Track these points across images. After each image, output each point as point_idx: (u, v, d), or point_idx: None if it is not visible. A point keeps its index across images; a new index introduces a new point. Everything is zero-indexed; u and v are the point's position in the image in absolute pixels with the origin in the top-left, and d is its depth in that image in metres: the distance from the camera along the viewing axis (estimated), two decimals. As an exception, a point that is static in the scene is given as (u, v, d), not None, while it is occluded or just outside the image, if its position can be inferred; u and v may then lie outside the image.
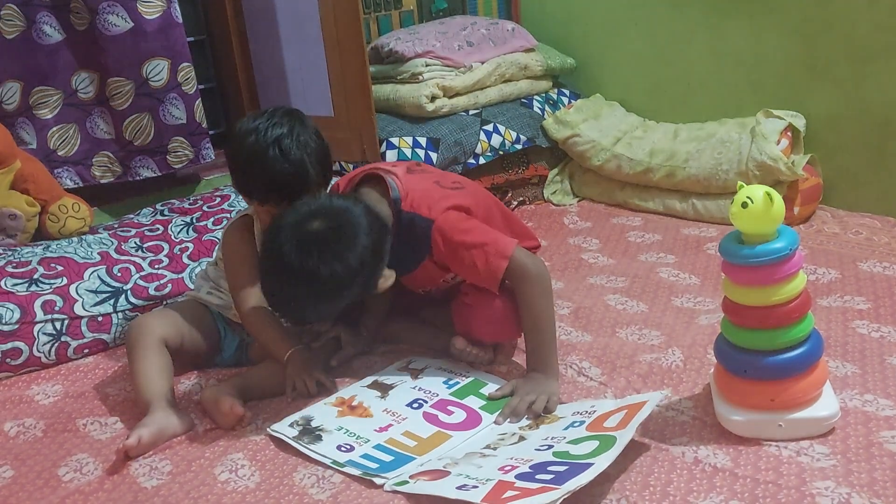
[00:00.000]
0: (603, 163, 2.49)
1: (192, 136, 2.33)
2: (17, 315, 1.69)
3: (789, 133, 2.26)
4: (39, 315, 1.71)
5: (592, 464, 1.17)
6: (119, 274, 1.84)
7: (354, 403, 1.49)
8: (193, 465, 1.35)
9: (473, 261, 1.47)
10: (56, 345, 1.73)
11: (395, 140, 2.40)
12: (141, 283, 1.85)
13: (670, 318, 1.74)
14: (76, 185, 2.23)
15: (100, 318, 1.78)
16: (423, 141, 2.40)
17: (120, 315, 1.80)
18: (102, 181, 2.28)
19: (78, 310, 1.76)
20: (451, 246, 1.48)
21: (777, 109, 2.30)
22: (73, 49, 2.17)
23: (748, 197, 1.21)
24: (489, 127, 2.52)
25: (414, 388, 1.53)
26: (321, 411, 1.47)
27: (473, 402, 1.48)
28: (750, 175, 2.18)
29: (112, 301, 1.80)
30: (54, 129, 2.19)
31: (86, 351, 1.77)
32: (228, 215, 2.07)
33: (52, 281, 1.77)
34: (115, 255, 1.89)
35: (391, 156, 2.36)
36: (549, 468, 1.20)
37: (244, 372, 1.59)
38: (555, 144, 2.64)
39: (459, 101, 2.54)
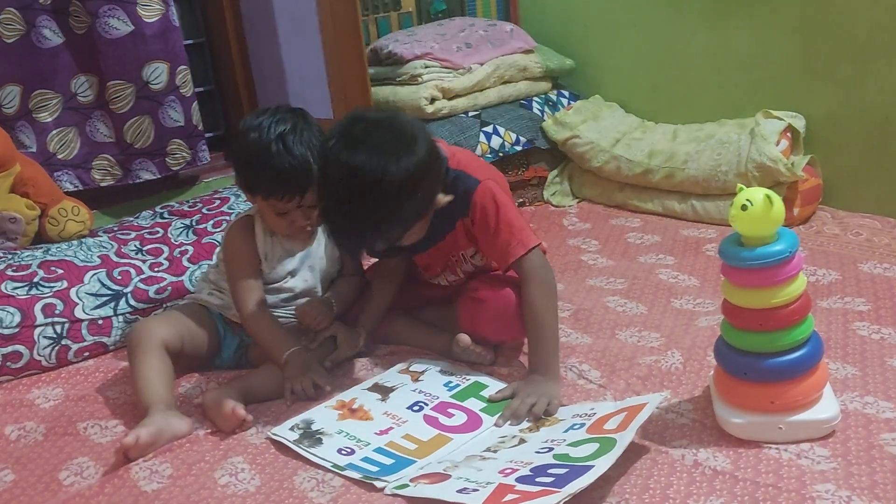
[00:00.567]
0: (602, 164, 2.49)
1: (190, 139, 2.34)
2: (17, 318, 1.69)
3: (789, 134, 2.26)
4: (40, 318, 1.71)
5: (593, 466, 1.17)
6: (119, 277, 1.84)
7: (355, 406, 1.49)
8: (194, 469, 1.35)
9: (499, 234, 1.50)
10: (56, 348, 1.73)
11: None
12: (141, 286, 1.85)
13: (670, 320, 1.74)
14: (76, 189, 2.23)
15: (100, 322, 1.78)
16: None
17: (120, 318, 1.80)
18: (102, 184, 2.28)
19: (78, 313, 1.76)
20: (487, 211, 1.51)
21: (776, 110, 2.30)
22: (73, 53, 2.17)
23: (748, 199, 1.21)
24: (489, 128, 2.52)
25: (414, 390, 1.53)
26: (321, 414, 1.47)
27: (474, 404, 1.48)
28: (749, 176, 2.18)
29: (112, 304, 1.80)
30: (54, 132, 2.20)
31: (86, 354, 1.77)
32: (228, 218, 2.08)
33: (52, 284, 1.77)
34: (115, 259, 1.89)
35: (391, 158, 2.35)
36: (550, 471, 1.20)
37: (245, 375, 1.59)
38: (554, 146, 2.64)
39: (459, 102, 2.54)
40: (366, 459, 1.34)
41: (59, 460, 1.41)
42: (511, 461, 1.27)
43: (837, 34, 2.21)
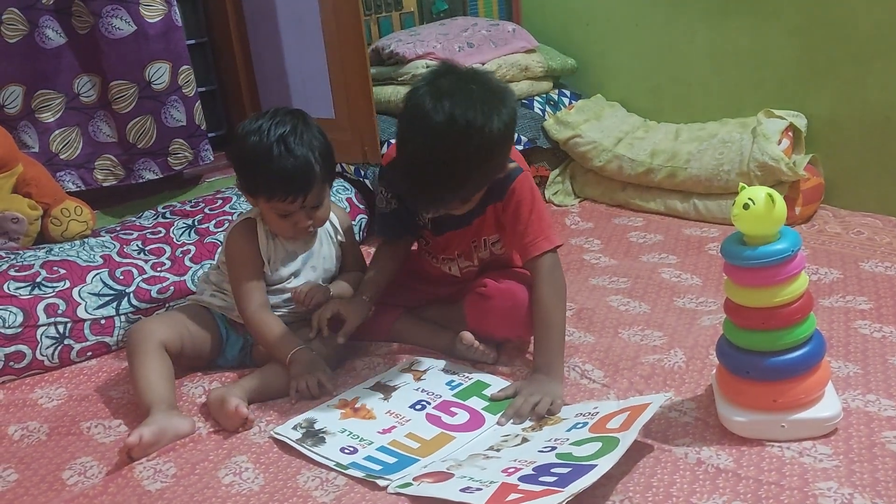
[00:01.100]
0: (604, 163, 2.49)
1: (192, 138, 2.34)
2: (20, 318, 1.70)
3: (790, 133, 2.26)
4: (42, 318, 1.72)
5: (596, 465, 1.18)
6: (121, 277, 1.85)
7: (357, 405, 1.49)
8: (197, 468, 1.35)
9: (530, 226, 1.52)
10: (59, 348, 1.73)
11: (394, 141, 2.40)
12: (143, 285, 1.85)
13: (672, 319, 1.74)
14: (79, 189, 2.23)
15: (103, 321, 1.78)
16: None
17: (123, 318, 1.80)
18: (105, 184, 2.28)
19: (81, 313, 1.76)
20: (523, 201, 1.52)
21: (778, 109, 2.30)
22: (76, 53, 2.17)
23: (750, 198, 1.21)
24: (490, 128, 2.52)
25: (417, 389, 1.53)
26: (324, 414, 1.47)
27: (476, 403, 1.49)
28: (751, 175, 2.18)
29: (115, 304, 1.80)
30: (56, 132, 2.20)
31: (89, 354, 1.77)
32: (230, 217, 2.08)
33: (54, 284, 1.77)
34: (117, 258, 1.89)
35: (393, 157, 2.36)
36: (553, 470, 1.20)
37: (249, 374, 1.59)
38: (556, 145, 2.64)
39: (460, 102, 2.54)
40: (369, 458, 1.34)
41: (62, 460, 1.41)
42: (514, 460, 1.27)
43: (839, 34, 2.21)
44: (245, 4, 2.58)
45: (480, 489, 1.18)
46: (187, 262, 1.94)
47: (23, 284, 1.75)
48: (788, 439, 1.28)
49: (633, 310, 1.81)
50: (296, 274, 1.66)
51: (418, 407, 1.48)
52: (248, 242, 1.61)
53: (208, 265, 1.91)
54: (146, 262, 1.91)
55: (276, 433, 1.42)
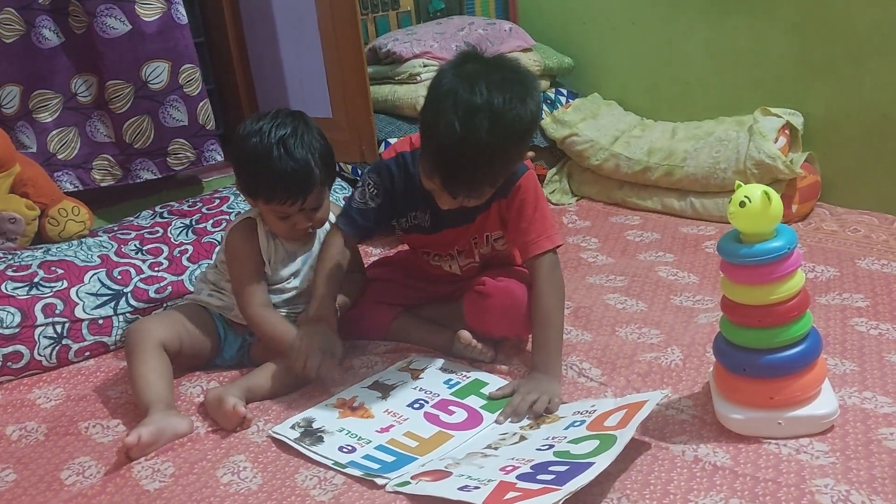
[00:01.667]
0: (601, 162, 2.49)
1: (194, 138, 2.32)
2: (17, 318, 1.70)
3: (787, 131, 2.27)
4: (40, 318, 1.72)
5: (593, 463, 1.18)
6: (119, 277, 1.85)
7: (355, 404, 1.49)
8: (196, 468, 1.36)
9: (533, 224, 1.52)
10: (57, 348, 1.73)
11: (393, 141, 2.40)
12: (141, 285, 1.85)
13: (669, 317, 1.74)
14: (76, 189, 2.23)
15: (100, 321, 1.78)
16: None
17: (121, 318, 1.80)
18: (102, 184, 2.28)
19: (79, 313, 1.76)
20: (528, 198, 1.52)
21: (775, 107, 2.30)
22: (73, 52, 2.17)
23: (746, 196, 1.22)
24: (487, 127, 2.52)
25: (415, 388, 1.54)
26: (322, 413, 1.47)
27: (474, 401, 1.49)
28: (748, 173, 2.18)
29: (112, 304, 1.80)
30: (54, 132, 2.19)
31: (87, 354, 1.77)
32: (228, 217, 2.08)
33: (52, 284, 1.77)
34: (115, 258, 1.89)
35: (390, 156, 2.36)
36: (551, 468, 1.21)
37: (247, 373, 1.59)
38: (553, 144, 2.64)
39: (458, 101, 2.54)
40: (367, 457, 1.34)
41: (60, 460, 1.41)
42: (512, 458, 1.27)
43: (835, 32, 2.21)
44: (242, 4, 2.58)
45: (478, 487, 1.18)
46: (185, 262, 1.94)
47: (20, 284, 1.75)
48: (785, 436, 1.28)
49: (630, 308, 1.81)
50: (296, 274, 1.67)
51: (416, 406, 1.48)
52: (249, 242, 1.61)
53: (206, 265, 1.91)
54: (144, 261, 1.91)
55: (274, 432, 1.42)
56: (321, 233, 1.69)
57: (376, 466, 1.31)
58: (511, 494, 1.15)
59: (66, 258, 1.86)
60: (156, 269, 1.90)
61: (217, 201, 2.18)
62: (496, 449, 1.33)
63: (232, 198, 2.18)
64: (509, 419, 1.42)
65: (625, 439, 1.22)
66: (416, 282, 1.75)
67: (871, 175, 2.23)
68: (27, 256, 1.86)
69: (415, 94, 2.46)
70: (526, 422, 1.41)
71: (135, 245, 1.97)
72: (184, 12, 2.22)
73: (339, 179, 2.38)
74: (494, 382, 1.54)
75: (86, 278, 1.81)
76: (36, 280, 1.77)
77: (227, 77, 2.69)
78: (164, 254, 1.95)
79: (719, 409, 1.33)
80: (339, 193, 2.28)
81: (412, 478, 1.26)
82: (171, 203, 2.24)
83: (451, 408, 1.47)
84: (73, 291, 1.78)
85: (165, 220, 2.11)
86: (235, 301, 1.63)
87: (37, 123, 2.17)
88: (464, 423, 1.43)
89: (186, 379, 1.63)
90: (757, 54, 2.39)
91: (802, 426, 1.28)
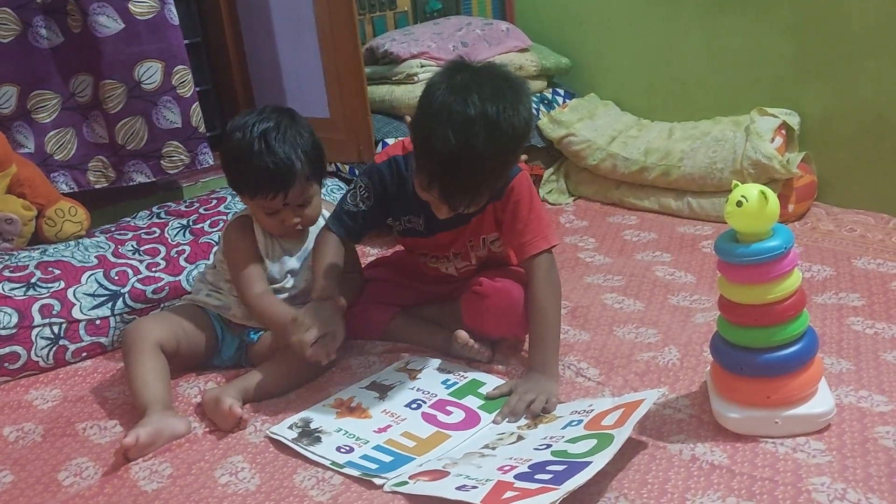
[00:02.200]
0: (598, 162, 2.50)
1: (188, 141, 2.31)
2: (14, 319, 1.70)
3: (783, 131, 2.27)
4: (37, 319, 1.72)
5: (591, 462, 1.18)
6: (116, 277, 1.84)
7: (353, 405, 1.50)
8: (193, 469, 1.36)
9: (528, 225, 1.52)
10: (54, 348, 1.73)
11: (390, 141, 2.40)
12: (138, 286, 1.85)
13: (667, 317, 1.75)
14: (71, 190, 2.22)
15: (98, 322, 1.78)
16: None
17: (118, 318, 1.80)
18: (97, 186, 2.27)
19: (76, 313, 1.76)
20: (522, 200, 1.53)
21: (771, 107, 2.31)
22: (70, 52, 2.15)
23: (743, 196, 1.22)
24: (484, 127, 2.52)
25: (412, 388, 1.54)
26: (320, 413, 1.47)
27: (472, 401, 1.49)
28: (745, 173, 2.19)
29: (110, 304, 1.80)
30: (52, 133, 2.19)
31: (84, 354, 1.77)
32: (225, 217, 2.08)
33: (49, 285, 1.77)
34: (112, 259, 1.89)
35: (387, 157, 2.36)
36: (548, 468, 1.21)
37: (244, 374, 1.59)
38: (550, 144, 2.64)
39: (455, 101, 2.54)
40: (365, 457, 1.34)
41: (57, 461, 1.41)
42: (510, 458, 1.27)
43: (831, 32, 2.22)
44: (239, 4, 2.58)
45: (476, 487, 1.18)
46: (182, 263, 1.93)
47: (17, 285, 1.75)
48: (782, 435, 1.28)
49: (627, 308, 1.81)
50: (293, 272, 1.67)
51: (414, 406, 1.48)
52: (246, 235, 1.63)
53: (203, 265, 1.91)
54: (141, 262, 1.91)
55: (271, 433, 1.42)
56: (316, 231, 1.69)
57: (374, 466, 1.31)
58: (508, 494, 1.15)
59: (63, 259, 1.85)
60: (153, 269, 1.90)
61: (214, 202, 2.18)
62: (494, 449, 1.33)
63: (229, 198, 2.18)
64: (507, 419, 1.42)
65: (622, 438, 1.22)
66: (414, 282, 1.75)
67: (867, 175, 2.24)
68: (24, 257, 1.86)
69: (412, 95, 2.46)
70: (523, 421, 1.41)
71: (132, 245, 1.97)
72: (175, 13, 2.21)
73: (337, 180, 2.38)
74: (492, 382, 1.54)
75: (83, 279, 1.81)
76: (33, 281, 1.77)
77: (224, 77, 2.69)
78: (162, 254, 1.95)
79: (716, 408, 1.33)
80: (336, 194, 2.27)
81: (410, 478, 1.26)
82: (169, 203, 2.24)
83: (448, 408, 1.47)
84: (70, 292, 1.78)
85: (162, 220, 2.11)
86: (236, 293, 1.63)
87: (35, 124, 2.16)
88: (461, 424, 1.43)
89: (184, 380, 1.63)
90: (753, 54, 2.39)
91: (799, 425, 1.28)
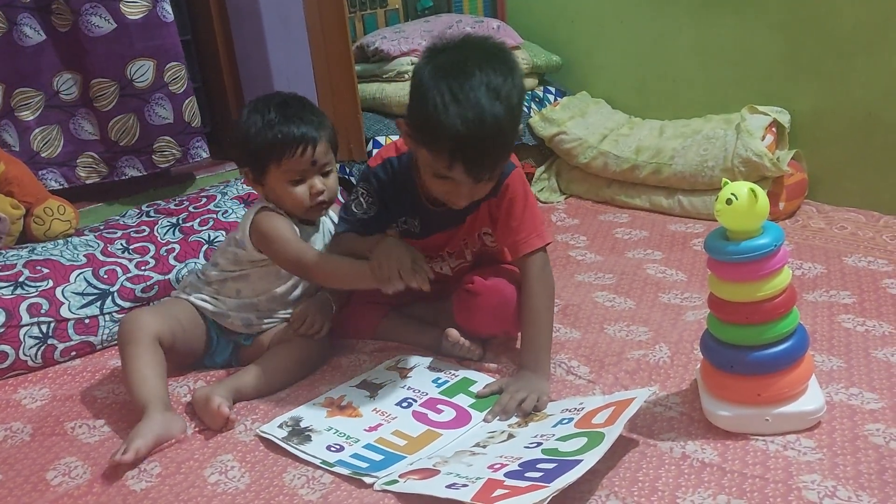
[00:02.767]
0: (589, 160, 2.50)
1: (180, 136, 2.31)
2: (2, 318, 1.68)
3: (774, 129, 2.27)
4: (25, 318, 1.70)
5: (581, 460, 1.18)
6: (105, 276, 1.83)
7: (343, 403, 1.49)
8: (183, 468, 1.35)
9: (523, 222, 1.52)
10: (42, 348, 1.72)
11: (381, 139, 2.39)
12: (128, 284, 1.84)
13: (657, 315, 1.75)
14: (61, 187, 2.21)
15: (87, 321, 1.77)
16: (407, 138, 2.40)
17: (107, 317, 1.79)
18: (88, 181, 2.27)
19: (64, 312, 1.75)
20: (517, 197, 1.52)
21: (762, 105, 2.31)
22: (55, 50, 2.15)
23: (732, 194, 1.22)
24: (476, 125, 2.52)
25: (403, 387, 1.53)
26: (310, 412, 1.47)
27: (463, 400, 1.49)
28: (735, 171, 2.19)
29: (99, 303, 1.79)
30: (37, 130, 2.18)
31: (73, 354, 1.76)
32: (215, 216, 2.07)
33: (37, 284, 1.76)
34: (101, 257, 1.88)
35: (378, 155, 2.35)
36: (539, 466, 1.21)
37: (235, 373, 1.58)
38: (541, 142, 2.64)
39: (446, 99, 2.53)
40: (355, 456, 1.34)
41: (46, 460, 1.40)
42: (500, 456, 1.27)
43: (821, 30, 2.22)
44: (229, 2, 2.56)
45: (466, 485, 1.18)
46: (172, 261, 1.92)
47: (5, 284, 1.74)
48: (773, 433, 1.29)
49: (618, 306, 1.81)
50: None
51: (405, 404, 1.48)
52: (280, 217, 1.58)
53: (193, 263, 1.90)
54: (130, 260, 1.90)
55: (261, 431, 1.42)
56: (326, 224, 1.68)
57: (364, 465, 1.31)
58: (499, 492, 1.15)
59: (52, 257, 1.84)
60: (142, 268, 1.89)
61: (204, 200, 2.17)
62: (484, 447, 1.32)
63: (219, 196, 2.17)
64: (498, 417, 1.42)
65: (612, 437, 1.22)
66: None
67: (857, 172, 2.24)
68: (12, 256, 1.85)
69: (403, 92, 2.45)
70: (514, 420, 1.41)
71: (121, 244, 1.95)
72: (170, 10, 2.21)
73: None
74: (483, 381, 1.54)
75: (72, 277, 1.80)
76: (21, 279, 1.76)
77: (214, 75, 2.68)
78: (151, 253, 1.94)
79: (707, 406, 1.34)
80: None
81: (400, 476, 1.26)
82: (158, 202, 2.23)
83: (439, 406, 1.47)
84: (58, 291, 1.76)
85: (152, 218, 2.10)
86: (298, 276, 1.61)
87: (19, 122, 2.15)
88: (452, 422, 1.43)
89: (173, 378, 1.62)
90: (744, 52, 2.40)
91: (789, 422, 1.29)
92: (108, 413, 1.53)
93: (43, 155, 2.20)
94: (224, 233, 2.00)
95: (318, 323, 1.62)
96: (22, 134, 2.16)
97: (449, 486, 1.19)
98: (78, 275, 1.81)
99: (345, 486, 1.27)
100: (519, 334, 1.59)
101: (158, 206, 2.18)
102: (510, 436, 1.35)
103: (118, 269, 1.86)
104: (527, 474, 1.19)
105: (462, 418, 1.44)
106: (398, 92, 2.47)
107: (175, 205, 2.16)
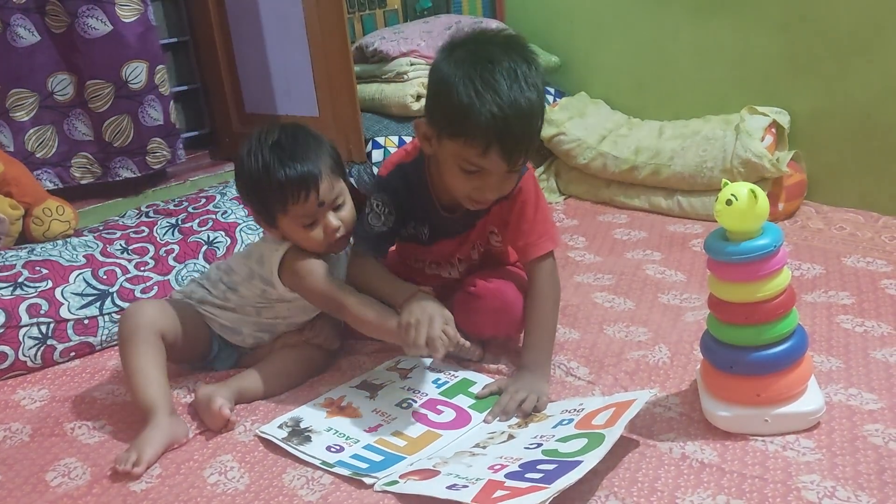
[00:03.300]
0: (588, 161, 2.50)
1: (169, 137, 2.35)
2: (1, 319, 1.68)
3: (773, 130, 2.28)
4: (24, 319, 1.70)
5: (581, 461, 1.18)
6: (105, 276, 1.83)
7: (343, 404, 1.49)
8: (183, 468, 1.35)
9: (535, 224, 1.51)
10: (42, 348, 1.72)
11: (380, 139, 2.40)
12: (127, 285, 1.84)
13: (657, 315, 1.75)
14: (56, 187, 2.22)
15: (86, 321, 1.77)
16: (408, 140, 2.40)
17: (106, 318, 1.79)
18: (83, 182, 2.28)
19: (64, 313, 1.75)
20: (529, 199, 1.52)
21: (761, 106, 2.31)
22: (50, 51, 2.16)
23: (732, 194, 1.22)
24: (475, 126, 2.52)
25: (403, 387, 1.53)
26: (310, 412, 1.47)
27: (462, 400, 1.49)
28: (735, 172, 2.19)
29: (98, 304, 1.79)
30: (31, 131, 2.19)
31: (72, 354, 1.76)
32: (214, 216, 2.07)
33: (37, 284, 1.76)
34: (100, 258, 1.88)
35: (377, 155, 2.36)
36: (539, 467, 1.21)
37: (237, 374, 1.57)
38: (540, 143, 2.64)
39: (445, 100, 2.54)
40: (355, 456, 1.34)
41: (45, 461, 1.40)
42: (500, 457, 1.27)
43: (821, 31, 2.22)
44: (228, 2, 2.57)
45: (467, 486, 1.18)
46: (171, 262, 1.93)
47: (4, 285, 1.74)
48: (772, 433, 1.29)
49: (617, 306, 1.81)
50: None
51: (404, 405, 1.48)
52: (307, 255, 1.53)
53: (192, 264, 1.90)
54: (129, 261, 1.90)
55: (261, 432, 1.42)
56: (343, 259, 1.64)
57: (364, 466, 1.31)
58: (499, 493, 1.15)
59: (51, 258, 1.84)
60: (142, 268, 1.89)
61: (203, 200, 2.17)
62: (484, 448, 1.33)
63: (218, 197, 2.17)
64: (498, 418, 1.42)
65: (613, 437, 1.22)
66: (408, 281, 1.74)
67: (856, 173, 2.25)
68: (11, 256, 1.85)
69: (402, 93, 2.46)
70: (514, 420, 1.41)
71: (120, 245, 1.95)
72: (153, 14, 2.24)
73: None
74: (482, 381, 1.54)
75: (71, 278, 1.80)
76: (20, 280, 1.76)
77: (212, 75, 2.68)
78: (150, 253, 1.94)
79: (706, 407, 1.34)
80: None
81: (400, 477, 1.26)
82: (157, 202, 2.23)
83: (439, 407, 1.47)
84: (58, 291, 1.76)
85: (151, 219, 2.10)
86: (328, 313, 1.57)
87: (14, 122, 2.16)
88: (452, 423, 1.43)
89: (173, 381, 1.61)
90: (743, 53, 2.40)
91: (789, 423, 1.29)
92: (107, 414, 1.53)
93: (38, 155, 2.21)
94: (224, 233, 2.00)
95: (331, 336, 1.62)
96: (16, 134, 2.17)
97: (449, 487, 1.19)
98: (77, 275, 1.81)
99: (344, 487, 1.27)
100: (519, 335, 1.59)
101: (157, 207, 2.18)
102: (510, 436, 1.35)
103: (117, 270, 1.86)
104: (527, 475, 1.19)
105: (462, 419, 1.44)
106: (397, 92, 2.47)
107: (174, 205, 2.17)
